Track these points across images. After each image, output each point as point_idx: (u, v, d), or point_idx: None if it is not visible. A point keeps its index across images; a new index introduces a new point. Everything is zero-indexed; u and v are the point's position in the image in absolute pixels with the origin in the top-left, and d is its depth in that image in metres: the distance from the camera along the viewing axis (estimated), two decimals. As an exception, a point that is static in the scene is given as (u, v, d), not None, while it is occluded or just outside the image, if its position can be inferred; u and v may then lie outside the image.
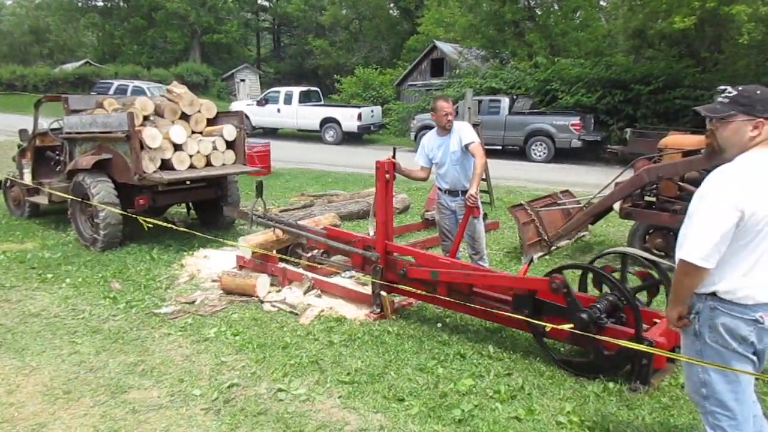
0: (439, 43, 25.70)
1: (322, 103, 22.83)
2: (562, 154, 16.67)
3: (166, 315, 4.83)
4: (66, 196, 6.93)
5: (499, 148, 17.30)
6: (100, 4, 42.95)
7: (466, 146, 4.54)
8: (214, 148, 7.08)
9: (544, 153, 16.61)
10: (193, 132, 7.15)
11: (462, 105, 9.10)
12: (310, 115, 21.11)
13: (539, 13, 22.67)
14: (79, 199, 6.75)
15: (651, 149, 15.66)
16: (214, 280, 5.66)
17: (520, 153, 17.30)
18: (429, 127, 18.76)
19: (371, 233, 4.76)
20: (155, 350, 4.19)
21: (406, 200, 9.31)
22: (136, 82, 25.80)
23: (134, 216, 6.21)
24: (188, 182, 7.09)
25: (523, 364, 3.84)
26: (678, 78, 17.11)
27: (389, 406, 3.37)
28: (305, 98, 21.87)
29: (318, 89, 23.65)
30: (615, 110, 17.71)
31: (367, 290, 4.92)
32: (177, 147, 6.74)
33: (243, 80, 35.05)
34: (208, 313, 4.85)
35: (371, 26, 40.06)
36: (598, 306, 3.62)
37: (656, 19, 18.26)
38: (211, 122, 7.49)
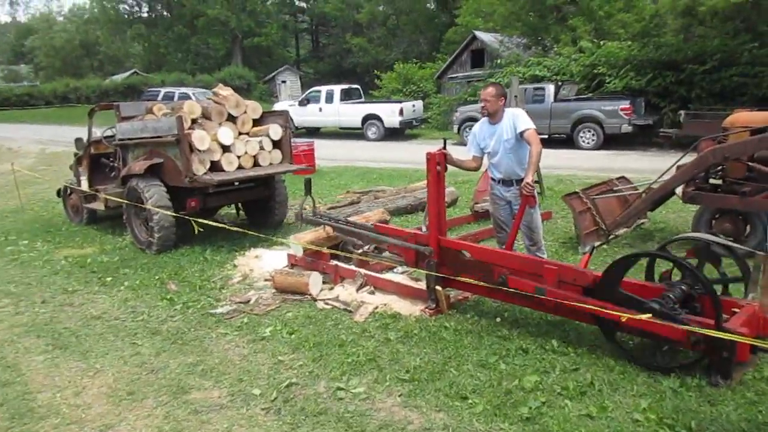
0: (478, 33, 25.29)
1: (363, 100, 22.82)
2: (612, 141, 16.11)
3: (222, 315, 4.85)
4: (121, 201, 7.10)
5: (546, 136, 16.84)
6: (145, 15, 44.30)
7: (521, 133, 4.36)
8: (261, 148, 7.11)
9: (593, 140, 16.09)
10: (240, 133, 7.19)
11: (508, 93, 8.85)
12: (352, 113, 21.12)
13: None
14: (134, 204, 6.89)
15: (707, 131, 14.91)
16: (266, 280, 5.67)
17: (567, 141, 16.80)
18: (473, 119, 18.52)
19: (424, 228, 4.65)
20: (213, 350, 4.20)
21: (454, 193, 9.13)
22: (182, 89, 26.46)
23: (186, 218, 6.29)
24: (237, 183, 7.15)
25: (590, 359, 3.66)
26: (734, 55, 16.27)
27: (452, 404, 3.26)
28: (346, 96, 21.90)
29: (359, 87, 23.64)
30: (667, 92, 16.98)
31: (422, 285, 4.82)
32: (225, 148, 6.79)
33: (284, 81, 35.46)
34: (263, 312, 4.85)
35: (409, 21, 39.88)
36: (669, 295, 3.42)
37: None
38: (257, 123, 7.52)
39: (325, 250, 5.35)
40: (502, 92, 4.55)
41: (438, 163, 4.36)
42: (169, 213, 6.61)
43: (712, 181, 5.96)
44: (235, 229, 6.31)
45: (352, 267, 5.38)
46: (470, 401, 3.26)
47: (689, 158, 5.93)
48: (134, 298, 5.39)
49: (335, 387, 3.55)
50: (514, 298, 4.14)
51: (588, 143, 16.20)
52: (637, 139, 16.47)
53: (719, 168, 5.76)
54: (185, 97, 23.34)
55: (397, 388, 3.50)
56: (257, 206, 7.76)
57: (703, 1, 17.86)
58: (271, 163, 7.19)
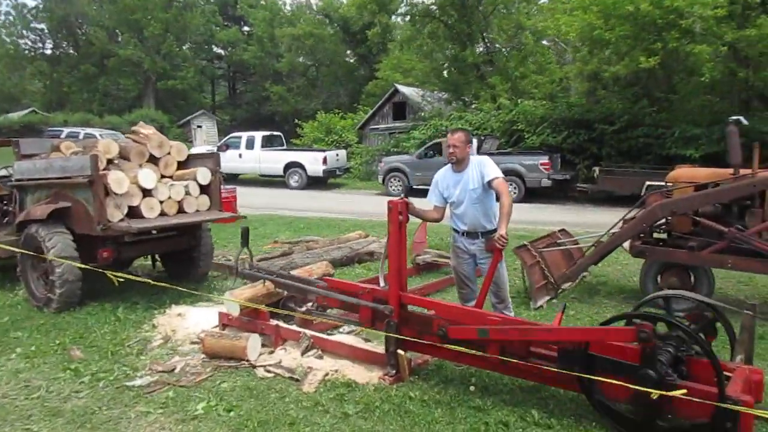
0: (400, 87, 25.78)
1: (284, 147, 22.33)
2: (532, 194, 16.59)
3: (142, 388, 4.08)
4: (15, 250, 6.10)
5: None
6: (49, 51, 41.76)
7: (489, 182, 4.08)
8: (187, 193, 6.43)
9: (515, 193, 16.45)
10: (162, 176, 6.49)
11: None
12: (274, 160, 20.52)
13: (498, 57, 23.13)
14: (32, 254, 5.93)
15: (620, 187, 15.87)
16: (193, 342, 4.95)
17: (491, 193, 17.12)
18: (398, 170, 18.58)
19: (382, 283, 4.20)
20: (133, 435, 3.45)
21: (390, 244, 8.77)
22: (88, 130, 24.73)
23: (100, 271, 5.44)
24: (155, 231, 6.39)
25: (577, 431, 3.30)
26: (638, 117, 17.48)
27: (437, 497, 2.76)
28: (268, 143, 21.33)
29: (281, 134, 23.19)
30: (580, 149, 17.88)
31: (377, 348, 4.33)
32: (146, 192, 6.06)
33: (200, 126, 34.27)
34: (192, 384, 4.13)
35: (329, 72, 40.28)
36: (660, 359, 3.15)
37: (612, 63, 18.76)
38: (181, 165, 6.86)
39: (264, 308, 4.73)
40: (470, 138, 4.28)
41: (400, 212, 3.97)
42: (75, 264, 5.73)
43: (656, 235, 5.99)
44: (159, 284, 5.48)
45: (295, 327, 4.79)
46: (457, 492, 2.77)
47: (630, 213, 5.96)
48: (28, 369, 4.47)
49: (291, 480, 2.94)
50: (490, 362, 3.74)
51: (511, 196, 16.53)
52: (555, 193, 17.08)
53: (663, 222, 5.79)
54: (91, 137, 21.78)
55: (368, 478, 2.94)
56: (178, 257, 6.97)
57: (606, 68, 19.26)
58: (197, 210, 6.51)
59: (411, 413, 3.57)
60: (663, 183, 14.56)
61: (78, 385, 4.14)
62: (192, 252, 6.85)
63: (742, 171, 5.37)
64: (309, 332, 4.59)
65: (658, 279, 5.86)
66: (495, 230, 4.33)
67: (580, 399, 3.62)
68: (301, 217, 13.56)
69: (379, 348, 4.35)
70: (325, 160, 19.78)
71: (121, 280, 5.11)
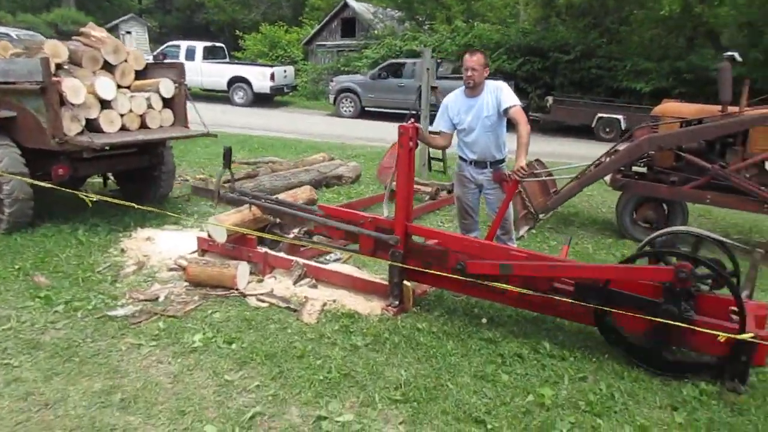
0: (350, 2, 24.47)
1: (228, 60, 21.00)
2: (486, 121, 16.52)
3: (126, 318, 3.78)
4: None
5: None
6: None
7: (506, 110, 3.88)
8: (150, 107, 5.85)
9: (469, 119, 16.35)
10: (119, 86, 5.84)
11: (419, 66, 8.39)
12: (217, 74, 19.29)
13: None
14: (-28, 169, 5.28)
15: (571, 117, 16.06)
16: (172, 269, 4.63)
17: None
18: (350, 90, 17.93)
19: (386, 213, 4.00)
20: (129, 370, 3.19)
21: (357, 168, 8.52)
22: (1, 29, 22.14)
23: (70, 190, 4.89)
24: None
25: (591, 363, 3.35)
26: (591, 48, 17.50)
27: (470, 430, 2.73)
28: (210, 55, 19.96)
29: (223, 46, 21.69)
30: (533, 78, 17.85)
31: (375, 278, 4.20)
32: (104, 104, 5.45)
33: (129, 32, 31.44)
34: (181, 314, 3.87)
35: (269, -20, 37.61)
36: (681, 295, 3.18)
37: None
38: (138, 76, 6.20)
39: (252, 233, 4.45)
40: (488, 61, 4.01)
41: (410, 138, 3.72)
42: (26, 180, 5.16)
43: (635, 169, 6.05)
44: (136, 206, 4.89)
45: (284, 255, 4.56)
46: (490, 426, 2.75)
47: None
48: (-11, 297, 4.05)
49: (315, 415, 2.82)
50: (504, 296, 3.68)
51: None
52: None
53: (644, 157, 5.84)
54: (6, 38, 19.52)
55: (394, 411, 2.87)
56: (137, 176, 6.44)
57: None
58: (161, 126, 5.96)
59: (423, 345, 3.50)
60: (613, 116, 14.82)
61: (52, 315, 3.79)
62: (153, 171, 6.34)
63: (730, 108, 5.42)
64: (302, 260, 4.38)
65: (635, 212, 5.98)
66: (503, 160, 4.20)
67: (587, 330, 3.67)
68: (253, 136, 12.94)
69: (377, 277, 4.23)
70: (272, 77, 18.80)
71: (94, 199, 4.63)
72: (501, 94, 3.92)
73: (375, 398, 2.96)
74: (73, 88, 5.08)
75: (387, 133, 15.24)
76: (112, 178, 6.97)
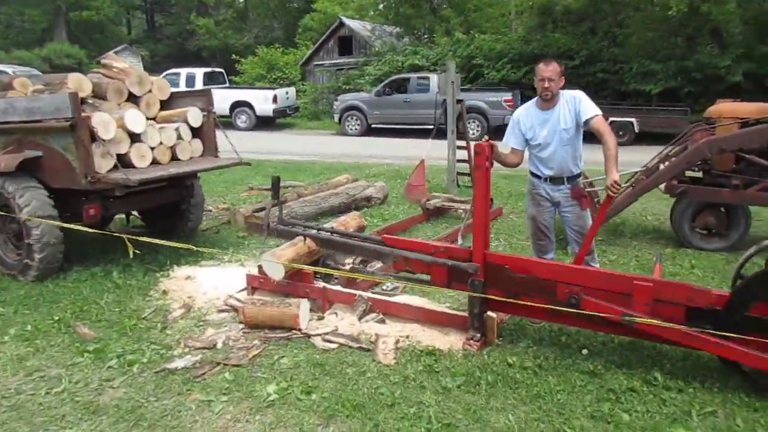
0: (346, 20, 24.42)
1: (228, 85, 20.82)
2: (495, 131, 16.31)
3: (187, 371, 3.46)
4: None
5: (431, 127, 16.60)
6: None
7: (587, 121, 3.60)
8: (179, 138, 5.57)
9: (478, 131, 16.16)
10: (146, 118, 5.56)
11: (446, 78, 8.16)
12: (219, 99, 18.71)
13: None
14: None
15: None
16: (222, 310, 4.31)
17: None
18: (355, 108, 17.70)
19: (460, 240, 3.70)
20: (205, 432, 2.87)
21: (385, 188, 8.24)
22: (-4, 66, 21.90)
23: (113, 233, 4.57)
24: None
25: (713, 394, 3.04)
26: (595, 53, 17.39)
27: (610, 485, 2.41)
28: (209, 80, 19.77)
29: (222, 71, 21.52)
30: (539, 85, 17.67)
31: (449, 309, 3.90)
32: (134, 137, 5.17)
33: (122, 63, 31.35)
34: (246, 362, 3.55)
35: (260, 3, 37.61)
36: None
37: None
38: (163, 106, 5.93)
39: (307, 268, 4.14)
40: (564, 70, 3.75)
41: (487, 157, 3.44)
42: (55, 224, 4.85)
43: (689, 174, 5.79)
44: (182, 245, 4.54)
45: (342, 288, 4.25)
46: (631, 478, 2.43)
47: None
48: (33, 355, 3.71)
49: (429, 476, 2.50)
50: (583, 321, 3.39)
51: (473, 134, 16.21)
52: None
53: (700, 160, 5.57)
54: (2, 75, 19.29)
55: (515, 466, 2.55)
56: (165, 210, 6.13)
57: (557, 1, 18.87)
58: (191, 157, 5.68)
59: (521, 383, 3.18)
60: (626, 119, 14.61)
61: (106, 372, 3.46)
62: (182, 204, 6.05)
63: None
64: (367, 294, 4.06)
65: (695, 219, 5.70)
66: (579, 174, 3.92)
67: (694, 355, 3.37)
68: (263, 160, 12.67)
69: (452, 309, 3.93)
70: (275, 99, 18.60)
71: (138, 251, 4.31)
72: (580, 104, 3.65)
73: (489, 451, 2.65)
74: (103, 123, 4.80)
75: (397, 149, 15.06)
76: (135, 213, 6.66)
